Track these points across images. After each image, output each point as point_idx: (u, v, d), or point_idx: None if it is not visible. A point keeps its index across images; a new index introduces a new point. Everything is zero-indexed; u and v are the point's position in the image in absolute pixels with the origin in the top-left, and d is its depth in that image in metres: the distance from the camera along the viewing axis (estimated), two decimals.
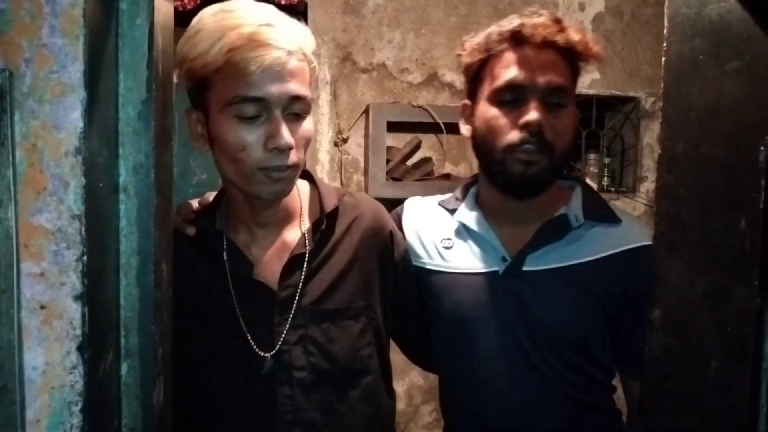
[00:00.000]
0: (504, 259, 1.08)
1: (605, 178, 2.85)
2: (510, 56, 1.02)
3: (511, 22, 1.04)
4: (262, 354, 0.97)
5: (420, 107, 2.49)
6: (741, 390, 0.77)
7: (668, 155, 0.92)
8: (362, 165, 2.59)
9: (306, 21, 2.49)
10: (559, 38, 1.01)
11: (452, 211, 1.16)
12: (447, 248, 1.13)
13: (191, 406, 0.99)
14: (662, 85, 0.98)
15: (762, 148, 0.75)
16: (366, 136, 2.54)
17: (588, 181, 2.85)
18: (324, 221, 1.02)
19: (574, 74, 1.07)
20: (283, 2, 2.31)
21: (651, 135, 2.74)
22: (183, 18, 2.42)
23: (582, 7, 2.73)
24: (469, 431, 1.12)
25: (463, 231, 1.13)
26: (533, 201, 1.07)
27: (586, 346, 1.07)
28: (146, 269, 0.64)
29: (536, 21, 1.02)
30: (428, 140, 2.59)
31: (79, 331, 0.55)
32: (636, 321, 1.05)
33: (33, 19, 0.52)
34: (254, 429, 0.99)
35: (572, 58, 1.05)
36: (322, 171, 2.56)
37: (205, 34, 0.88)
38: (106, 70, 0.60)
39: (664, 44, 0.96)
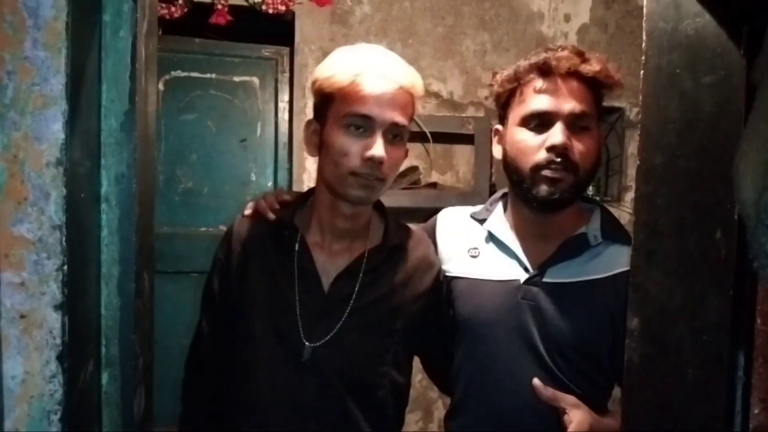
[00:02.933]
0: (526, 270, 1.17)
1: (590, 188, 2.88)
2: (538, 85, 1.13)
3: (538, 56, 1.15)
4: (305, 342, 1.11)
5: None
6: (717, 397, 0.79)
7: (646, 166, 0.94)
8: None
9: (293, 30, 2.50)
10: (582, 68, 1.11)
11: (482, 221, 1.25)
12: (473, 257, 1.23)
13: (238, 370, 1.15)
14: (641, 97, 1.00)
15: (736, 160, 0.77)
16: None
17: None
18: (385, 251, 1.18)
19: (597, 101, 1.16)
20: (271, 11, 2.32)
21: (636, 145, 2.76)
22: (170, 26, 2.42)
23: (567, 19, 2.76)
24: (486, 428, 1.19)
25: (490, 241, 1.23)
26: (556, 218, 1.17)
27: (594, 354, 1.15)
28: (127, 279, 0.65)
29: (561, 54, 1.12)
30: (415, 149, 2.60)
31: (59, 341, 0.55)
32: None
33: (15, 32, 0.53)
34: (281, 406, 1.11)
35: (595, 86, 1.14)
36: (309, 179, 2.56)
37: (341, 60, 1.09)
38: (89, 82, 0.61)
39: (643, 57, 0.98)
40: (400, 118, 1.07)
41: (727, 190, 0.79)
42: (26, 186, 0.54)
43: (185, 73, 2.54)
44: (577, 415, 1.02)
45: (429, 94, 2.62)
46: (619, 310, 1.10)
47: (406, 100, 1.09)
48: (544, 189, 1.11)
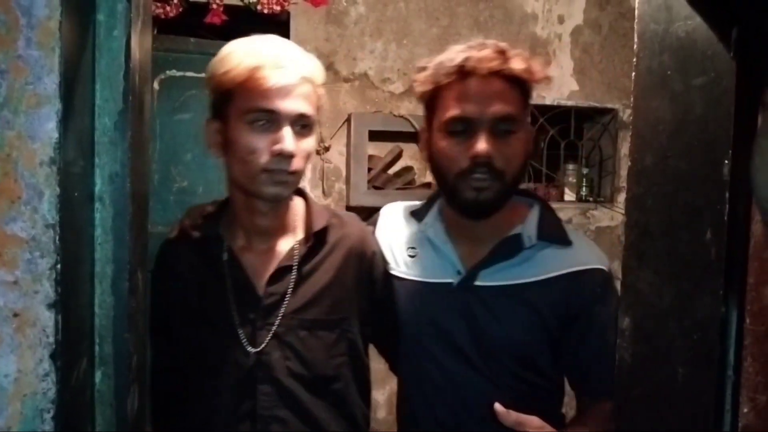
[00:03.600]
0: (459, 273, 1.13)
1: (584, 188, 2.89)
2: (458, 89, 1.06)
3: (456, 56, 1.07)
4: (248, 349, 1.08)
5: (401, 117, 2.51)
6: (707, 395, 0.79)
7: (637, 167, 0.94)
8: (344, 173, 2.60)
9: (289, 31, 2.50)
10: (505, 68, 1.05)
11: (419, 221, 1.21)
12: (411, 257, 1.19)
13: (184, 392, 1.11)
14: (632, 98, 1.01)
15: (726, 161, 0.78)
16: (348, 144, 2.56)
17: (566, 191, 2.89)
18: (311, 239, 1.13)
19: (524, 99, 1.10)
20: (266, 11, 2.32)
21: (628, 146, 2.78)
22: (165, 26, 2.42)
23: (561, 20, 2.77)
24: (426, 428, 1.17)
25: (426, 242, 1.19)
26: (489, 220, 1.12)
27: (530, 359, 1.12)
28: (121, 278, 0.65)
29: (480, 54, 1.05)
30: (409, 149, 2.61)
31: (52, 339, 0.55)
32: (580, 341, 1.11)
33: (9, 31, 0.53)
34: (235, 419, 1.08)
35: (519, 84, 1.08)
36: (304, 179, 2.57)
37: (236, 55, 1.03)
38: (83, 81, 0.61)
39: (634, 59, 0.98)
40: (305, 109, 1.04)
41: (717, 191, 0.80)
42: (19, 185, 0.55)
43: (180, 73, 2.54)
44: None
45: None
46: (552, 314, 1.10)
47: (308, 90, 1.05)
48: (469, 196, 1.07)
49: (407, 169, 2.60)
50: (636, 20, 0.99)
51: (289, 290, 1.10)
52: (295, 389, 1.09)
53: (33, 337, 0.55)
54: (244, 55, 1.03)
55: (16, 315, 0.55)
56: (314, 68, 1.07)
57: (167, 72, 2.53)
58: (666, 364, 0.85)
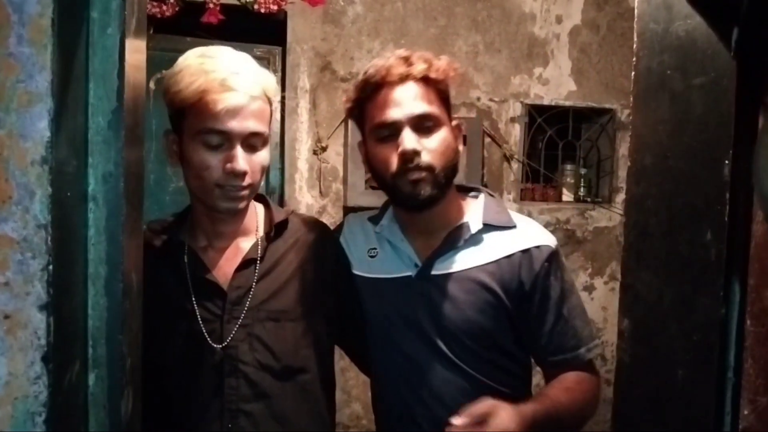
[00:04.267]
0: (416, 265, 1.23)
1: (581, 189, 2.89)
2: (375, 99, 1.17)
3: (368, 71, 1.19)
4: (214, 346, 1.10)
5: None
6: (706, 397, 0.79)
7: (637, 167, 0.94)
8: (341, 173, 2.59)
9: (286, 30, 2.49)
10: (411, 72, 1.15)
11: (376, 224, 1.31)
12: (372, 257, 1.28)
13: (151, 393, 1.08)
14: (632, 98, 1.00)
15: (726, 161, 0.77)
16: (345, 144, 2.55)
17: (564, 191, 2.89)
18: (273, 230, 1.18)
19: (441, 96, 1.19)
20: (263, 11, 2.31)
21: (626, 146, 2.78)
22: (162, 25, 2.41)
23: (559, 20, 2.77)
24: (399, 426, 1.23)
25: (384, 241, 1.28)
26: (434, 213, 1.21)
27: (491, 339, 1.20)
28: (115, 279, 0.64)
29: (387, 64, 1.16)
30: None
31: (43, 341, 0.55)
32: (537, 315, 1.20)
33: (0, 28, 0.52)
34: (203, 416, 1.10)
35: (431, 85, 1.17)
36: (301, 179, 2.56)
37: (186, 74, 1.06)
38: (76, 79, 0.60)
39: (634, 59, 0.98)
40: (256, 127, 1.07)
41: (717, 191, 0.79)
42: (10, 184, 0.54)
43: None
44: (498, 417, 1.01)
45: None
46: (506, 293, 1.18)
47: (259, 106, 1.08)
48: (406, 192, 1.16)
49: None
50: (636, 19, 0.98)
51: (254, 283, 1.13)
52: (263, 381, 1.11)
53: (24, 339, 0.54)
54: (194, 75, 1.05)
55: (7, 317, 0.54)
56: (266, 84, 1.10)
57: (163, 71, 2.51)
58: (665, 365, 0.84)
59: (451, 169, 1.19)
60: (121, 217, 0.64)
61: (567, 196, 2.88)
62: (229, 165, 1.05)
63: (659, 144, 0.92)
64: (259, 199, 1.24)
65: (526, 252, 1.20)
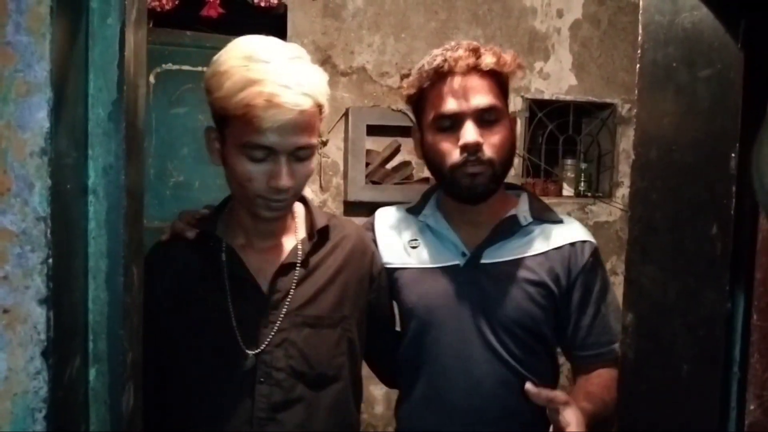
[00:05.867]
0: (464, 254, 1.23)
1: (582, 183, 2.88)
2: (439, 88, 1.17)
3: (434, 60, 1.18)
4: (247, 351, 1.05)
5: (399, 111, 2.49)
6: (712, 393, 0.78)
7: (642, 161, 0.93)
8: (342, 168, 2.58)
9: (285, 24, 2.48)
10: (479, 64, 1.16)
11: (417, 214, 1.30)
12: (413, 247, 1.27)
13: (177, 395, 1.08)
14: (636, 91, 0.99)
15: (733, 155, 0.76)
16: (345, 139, 2.54)
17: (565, 186, 2.88)
18: (315, 236, 1.14)
19: (502, 90, 1.20)
20: (263, 4, 2.30)
21: (627, 141, 2.77)
22: (161, 18, 2.40)
23: (560, 14, 2.76)
24: (433, 411, 1.22)
25: (427, 231, 1.28)
26: (484, 205, 1.23)
27: (539, 329, 1.22)
28: (116, 272, 0.63)
29: (456, 54, 1.16)
30: (407, 144, 2.59)
31: (43, 336, 0.54)
32: (578, 308, 1.22)
33: None
34: (230, 421, 1.05)
35: (495, 77, 1.18)
36: None
37: (230, 82, 0.97)
38: (75, 70, 0.59)
39: (638, 51, 0.97)
40: (304, 140, 1.01)
41: (723, 185, 0.78)
42: (9, 176, 0.53)
43: (176, 66, 2.51)
44: (571, 415, 1.03)
45: None
46: (554, 283, 1.21)
47: (309, 119, 1.01)
48: (464, 185, 1.17)
49: (405, 164, 2.58)
50: (641, 11, 0.97)
51: (293, 287, 1.09)
52: (295, 389, 1.06)
53: (24, 334, 0.54)
54: (237, 84, 0.96)
55: (6, 311, 0.54)
56: (317, 92, 1.02)
57: (163, 65, 2.50)
58: (670, 360, 0.84)
59: (509, 163, 1.21)
60: (122, 210, 0.63)
61: (567, 190, 2.87)
62: (272, 182, 1.01)
63: (664, 137, 0.91)
64: (300, 199, 1.19)
65: (573, 245, 1.22)
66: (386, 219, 1.34)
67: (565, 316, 1.23)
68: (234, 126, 1.00)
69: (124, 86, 0.62)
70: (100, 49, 0.61)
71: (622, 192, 2.81)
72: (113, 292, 0.63)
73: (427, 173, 2.63)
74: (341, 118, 2.54)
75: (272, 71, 0.97)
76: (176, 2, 2.21)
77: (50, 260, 0.54)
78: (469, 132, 1.13)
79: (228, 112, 0.99)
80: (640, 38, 0.98)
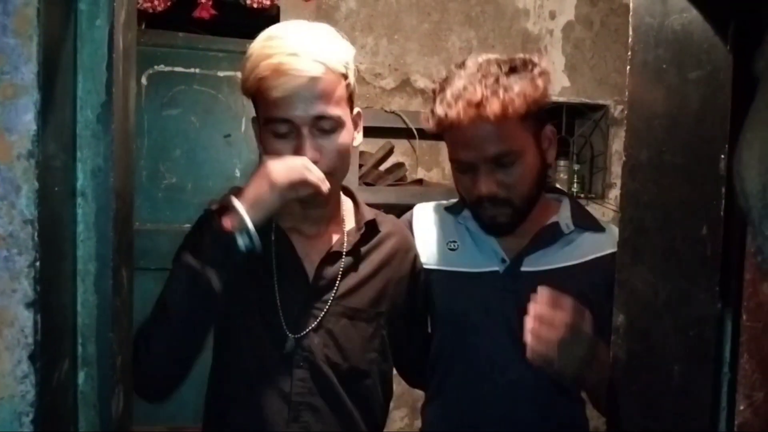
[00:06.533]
0: (503, 261, 1.21)
1: (575, 185, 2.89)
2: (451, 136, 1.15)
3: (439, 108, 1.12)
4: (288, 334, 1.06)
5: (393, 113, 2.49)
6: (702, 393, 0.78)
7: (632, 162, 0.93)
8: None
9: None
10: (482, 114, 1.08)
11: (456, 214, 1.27)
12: (452, 250, 1.25)
13: (219, 368, 1.10)
14: (627, 93, 1.00)
15: (722, 156, 0.76)
16: None
17: (557, 187, 2.89)
18: (363, 228, 1.14)
19: (519, 126, 1.12)
20: (255, 5, 2.29)
21: (620, 142, 2.78)
22: (153, 20, 2.39)
23: (552, 16, 2.77)
24: (465, 415, 1.21)
25: (466, 233, 1.25)
26: None
27: None
28: (104, 275, 0.63)
29: (458, 109, 1.08)
30: (401, 146, 2.59)
31: (30, 340, 0.53)
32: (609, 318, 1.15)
33: None
34: (269, 402, 1.06)
35: (509, 117, 1.09)
36: None
37: (250, 60, 1.00)
38: (64, 72, 0.59)
39: (629, 53, 0.97)
40: (324, 109, 0.99)
41: (713, 186, 0.79)
42: None
43: (168, 68, 2.51)
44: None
45: (415, 90, 2.61)
46: (596, 294, 1.16)
47: (325, 86, 0.99)
48: (485, 221, 1.18)
49: (399, 166, 2.58)
50: (631, 13, 0.97)
51: (339, 277, 1.10)
52: (329, 379, 1.07)
53: (11, 337, 0.53)
54: (255, 61, 0.98)
55: None
56: (332, 59, 1.00)
57: (155, 67, 2.50)
58: (661, 361, 0.84)
59: (532, 193, 1.17)
60: (111, 212, 0.63)
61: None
62: (296, 155, 0.99)
63: (655, 139, 0.91)
64: (348, 193, 1.21)
65: (614, 255, 1.19)
66: (425, 217, 1.32)
67: (604, 325, 1.18)
68: (258, 106, 1.03)
69: (113, 88, 0.62)
70: (89, 51, 0.61)
71: (615, 193, 2.82)
72: (102, 295, 0.63)
73: (420, 174, 2.64)
74: None
75: (284, 44, 0.98)
76: (168, 4, 2.21)
77: (38, 263, 0.54)
78: (481, 183, 1.12)
79: (250, 91, 1.01)
80: (630, 40, 0.98)
